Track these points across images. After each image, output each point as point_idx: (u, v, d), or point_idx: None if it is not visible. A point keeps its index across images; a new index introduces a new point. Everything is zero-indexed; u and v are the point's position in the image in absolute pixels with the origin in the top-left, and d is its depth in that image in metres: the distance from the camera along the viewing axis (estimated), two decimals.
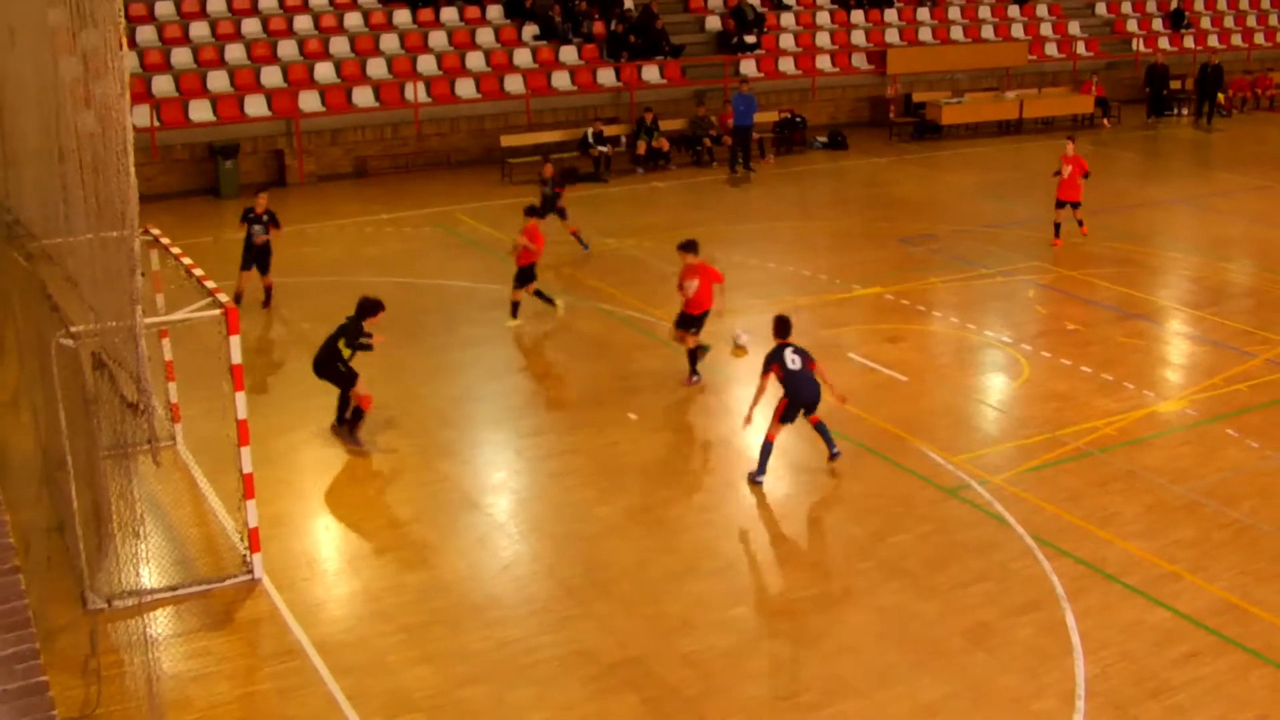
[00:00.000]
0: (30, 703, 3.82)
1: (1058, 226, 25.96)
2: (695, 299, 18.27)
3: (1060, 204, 25.79)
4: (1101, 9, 47.30)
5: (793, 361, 15.40)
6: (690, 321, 18.39)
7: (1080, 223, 25.98)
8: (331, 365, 16.49)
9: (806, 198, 31.82)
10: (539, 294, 21.02)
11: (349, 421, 16.64)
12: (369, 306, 16.65)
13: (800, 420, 15.59)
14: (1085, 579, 13.10)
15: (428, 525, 14.44)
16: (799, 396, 15.37)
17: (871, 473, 15.63)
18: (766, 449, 15.46)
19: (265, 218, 21.51)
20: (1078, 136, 29.02)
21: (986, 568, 13.34)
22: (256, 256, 21.51)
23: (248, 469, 13.02)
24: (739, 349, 17.51)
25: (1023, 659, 11.76)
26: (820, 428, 15.82)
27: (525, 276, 20.86)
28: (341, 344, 16.35)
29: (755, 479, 15.41)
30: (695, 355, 18.56)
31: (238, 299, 20.52)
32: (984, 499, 14.87)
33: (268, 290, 21.67)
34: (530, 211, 21.04)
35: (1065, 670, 11.60)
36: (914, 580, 13.12)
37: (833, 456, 15.78)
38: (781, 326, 15.81)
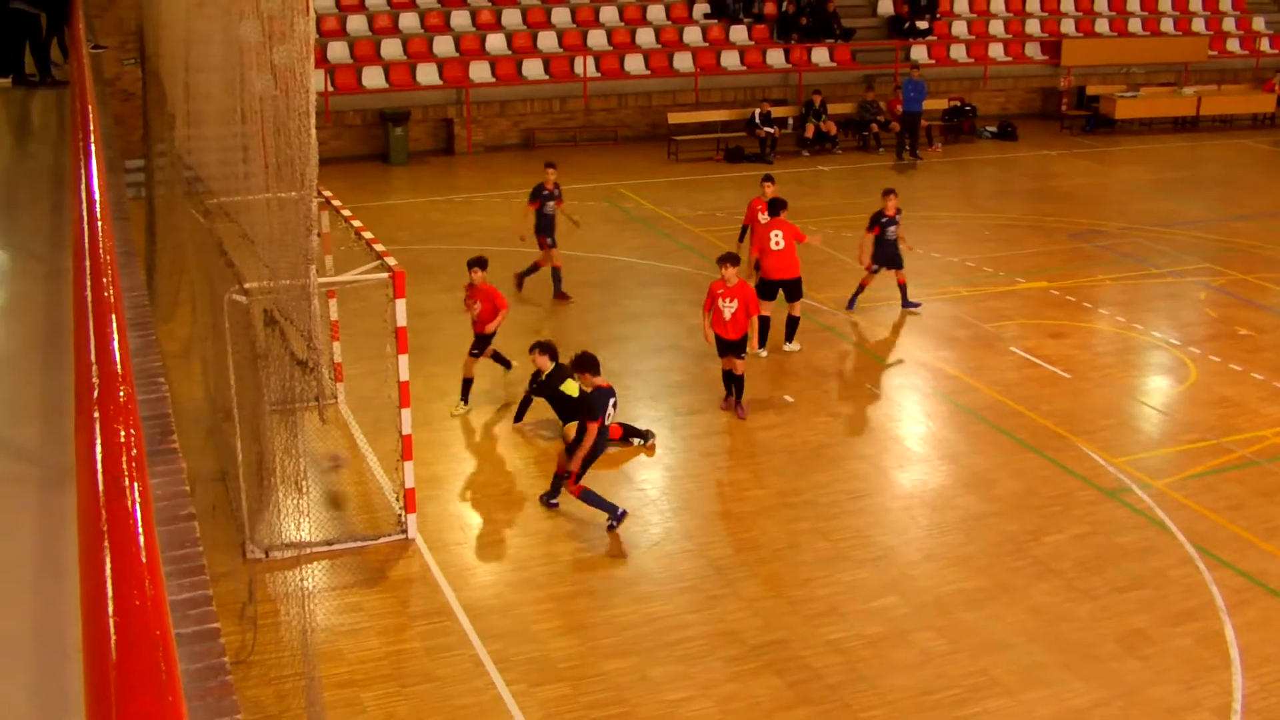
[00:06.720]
0: (203, 648, 3.91)
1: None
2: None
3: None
4: None
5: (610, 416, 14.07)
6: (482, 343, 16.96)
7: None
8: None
9: (973, 188, 31.34)
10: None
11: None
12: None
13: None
14: (1247, 591, 12.73)
15: None
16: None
17: (1029, 470, 15.35)
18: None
19: (556, 191, 21.23)
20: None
21: (1144, 574, 13.04)
22: (550, 229, 21.11)
23: (407, 430, 13.25)
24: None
25: (1178, 670, 11.47)
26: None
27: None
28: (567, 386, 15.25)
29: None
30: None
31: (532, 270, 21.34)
32: (1144, 503, 14.54)
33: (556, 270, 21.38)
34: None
35: (1222, 685, 11.27)
36: (1068, 582, 12.87)
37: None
38: (585, 363, 14.01)
